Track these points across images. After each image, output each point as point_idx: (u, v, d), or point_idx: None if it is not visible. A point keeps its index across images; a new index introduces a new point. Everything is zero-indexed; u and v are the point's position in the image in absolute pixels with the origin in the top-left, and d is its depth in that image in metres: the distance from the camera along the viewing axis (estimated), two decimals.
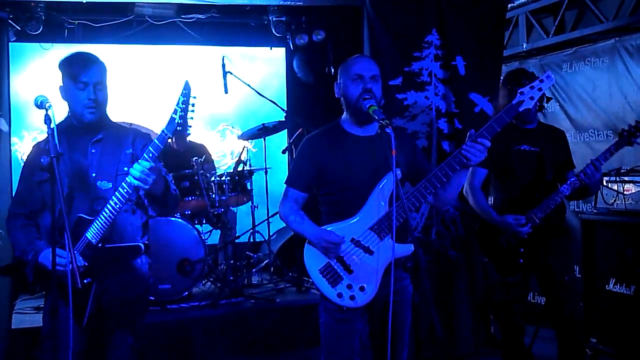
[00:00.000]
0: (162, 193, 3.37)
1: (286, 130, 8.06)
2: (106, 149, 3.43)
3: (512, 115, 3.28)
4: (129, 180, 3.16)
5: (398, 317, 3.35)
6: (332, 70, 8.36)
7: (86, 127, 3.44)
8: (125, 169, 3.37)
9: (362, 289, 3.35)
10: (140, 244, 3.37)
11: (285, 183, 3.58)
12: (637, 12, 5.99)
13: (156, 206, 3.52)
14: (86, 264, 3.19)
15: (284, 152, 7.48)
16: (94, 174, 3.39)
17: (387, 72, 5.56)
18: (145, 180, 3.13)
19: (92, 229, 3.27)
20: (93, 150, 3.45)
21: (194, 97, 3.30)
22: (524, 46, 7.11)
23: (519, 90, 3.31)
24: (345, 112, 3.56)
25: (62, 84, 3.47)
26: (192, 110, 3.30)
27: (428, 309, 2.93)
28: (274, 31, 8.53)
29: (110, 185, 3.42)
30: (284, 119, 7.39)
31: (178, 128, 3.26)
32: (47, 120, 3.07)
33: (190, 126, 3.31)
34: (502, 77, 5.53)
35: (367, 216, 3.37)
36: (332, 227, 3.42)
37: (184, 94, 3.27)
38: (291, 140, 7.59)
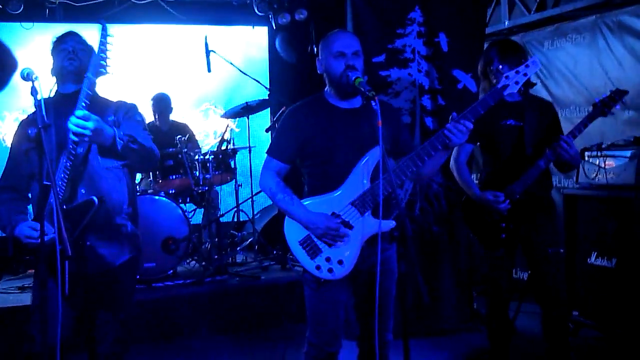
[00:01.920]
0: (110, 143, 3.31)
1: (269, 109, 8.03)
2: None
3: (496, 98, 3.30)
4: (68, 128, 3.17)
5: (382, 286, 3.32)
6: (315, 49, 8.31)
7: (71, 95, 3.41)
8: None
9: (340, 262, 3.34)
10: (93, 198, 3.29)
11: (267, 153, 3.53)
12: None
13: (112, 159, 3.46)
14: (55, 232, 3.10)
15: (267, 130, 7.44)
16: (72, 145, 3.36)
17: (371, 49, 5.54)
18: (83, 126, 3.13)
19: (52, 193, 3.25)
20: None
21: (111, 36, 3.41)
22: (506, 23, 7.12)
23: (505, 74, 3.33)
24: (328, 86, 3.52)
25: (52, 65, 3.56)
26: (110, 50, 3.40)
27: (414, 278, 2.93)
28: (256, 10, 8.51)
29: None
30: (267, 98, 7.36)
31: (101, 69, 3.36)
32: (34, 92, 3.04)
33: (109, 66, 3.40)
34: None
35: (348, 191, 3.35)
36: (313, 200, 3.40)
37: (102, 35, 3.37)
38: (274, 119, 7.56)
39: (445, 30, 5.77)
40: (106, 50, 3.36)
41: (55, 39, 3.57)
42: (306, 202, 3.41)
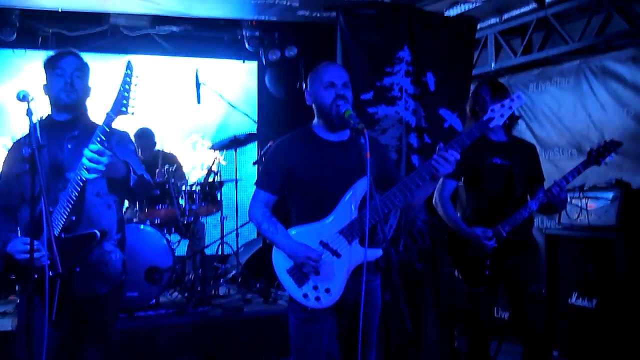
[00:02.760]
0: (123, 177, 3.34)
1: (257, 142, 8.09)
2: (80, 144, 3.42)
3: (482, 130, 3.37)
4: (82, 163, 3.16)
5: (366, 318, 3.34)
6: (304, 85, 8.41)
7: (64, 123, 3.45)
8: None
9: (327, 290, 3.36)
10: (95, 231, 3.30)
11: (255, 185, 3.57)
12: (602, 33, 6.16)
13: (120, 192, 3.51)
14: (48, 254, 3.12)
15: (254, 164, 7.48)
16: (67, 170, 3.39)
17: (359, 87, 5.61)
18: (97, 161, 3.12)
19: (53, 219, 3.26)
20: (69, 146, 3.46)
21: (137, 77, 3.35)
22: (493, 66, 7.25)
23: (490, 108, 3.40)
24: (316, 118, 3.58)
25: (45, 82, 3.56)
26: (134, 91, 3.35)
27: (398, 307, 2.95)
28: (247, 46, 8.62)
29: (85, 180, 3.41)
30: (255, 131, 7.42)
31: (122, 109, 3.29)
32: (29, 113, 3.07)
33: (133, 106, 3.34)
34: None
35: (337, 219, 3.39)
36: (301, 228, 3.43)
37: (127, 74, 3.31)
38: (262, 153, 7.60)
39: (433, 70, 5.86)
40: (129, 90, 3.32)
41: (51, 57, 3.57)
42: (293, 230, 3.45)
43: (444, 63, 5.94)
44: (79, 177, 3.23)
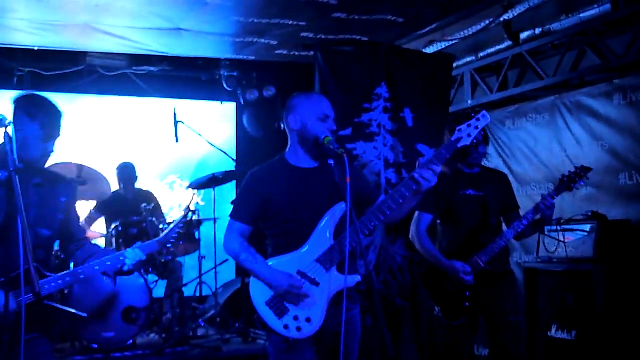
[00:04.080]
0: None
1: (235, 181, 8.14)
2: (44, 195, 3.41)
3: (451, 150, 3.43)
4: (122, 260, 3.38)
5: (346, 347, 3.35)
6: (282, 126, 8.51)
7: (27, 166, 3.26)
8: (61, 216, 3.44)
9: (308, 320, 3.39)
10: (84, 315, 3.39)
11: (230, 216, 3.61)
12: (576, 69, 6.34)
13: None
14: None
15: (232, 203, 7.53)
16: (33, 217, 3.29)
17: (338, 123, 5.56)
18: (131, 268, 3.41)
19: (47, 282, 3.23)
20: (32, 193, 3.38)
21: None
22: (469, 102, 7.41)
23: (457, 128, 3.46)
24: (291, 146, 3.62)
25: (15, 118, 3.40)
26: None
27: (380, 331, 2.99)
28: (225, 86, 8.76)
29: (50, 233, 3.41)
30: (233, 170, 7.49)
31: (168, 245, 3.61)
32: (7, 137, 3.06)
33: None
34: None
35: (313, 248, 3.43)
36: (278, 259, 3.47)
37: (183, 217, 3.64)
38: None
39: (410, 106, 6.01)
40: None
41: (23, 98, 3.46)
42: (270, 262, 3.48)
43: (421, 99, 6.11)
44: (104, 265, 3.38)
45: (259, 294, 3.43)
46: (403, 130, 5.99)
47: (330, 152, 3.44)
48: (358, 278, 3.42)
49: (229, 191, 8.52)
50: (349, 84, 5.94)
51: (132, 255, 3.36)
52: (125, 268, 3.33)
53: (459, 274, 4.40)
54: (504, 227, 4.66)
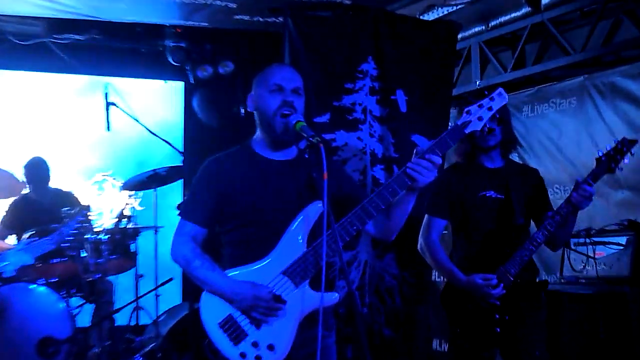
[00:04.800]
0: None
1: (182, 180, 8.11)
2: None
3: (456, 137, 3.42)
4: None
5: None
6: (242, 110, 8.50)
7: None
8: None
9: (270, 347, 3.36)
10: None
11: (179, 215, 3.61)
12: (610, 43, 6.38)
13: None
14: None
15: (179, 207, 7.52)
16: None
17: (313, 107, 5.70)
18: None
19: None
20: None
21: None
22: (478, 83, 7.46)
23: (466, 109, 3.45)
24: (257, 131, 3.66)
25: None
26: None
27: None
28: (170, 60, 8.68)
29: None
30: (180, 165, 7.45)
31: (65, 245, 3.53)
32: None
33: None
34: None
35: (279, 258, 3.42)
36: (236, 272, 3.44)
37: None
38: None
39: (404, 87, 6.03)
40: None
41: None
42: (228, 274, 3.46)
43: (418, 78, 6.14)
44: None
45: (212, 312, 3.41)
46: (395, 117, 6.01)
47: (294, 138, 3.45)
48: (335, 297, 3.39)
49: (175, 193, 8.50)
50: (327, 59, 5.94)
51: (15, 258, 3.32)
52: (7, 274, 3.29)
53: (482, 290, 4.36)
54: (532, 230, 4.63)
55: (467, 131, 3.43)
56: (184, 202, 3.71)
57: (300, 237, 3.45)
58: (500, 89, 3.51)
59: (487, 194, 4.60)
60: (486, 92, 3.52)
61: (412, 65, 6.13)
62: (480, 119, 3.43)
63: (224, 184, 3.53)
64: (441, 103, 6.24)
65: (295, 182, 3.53)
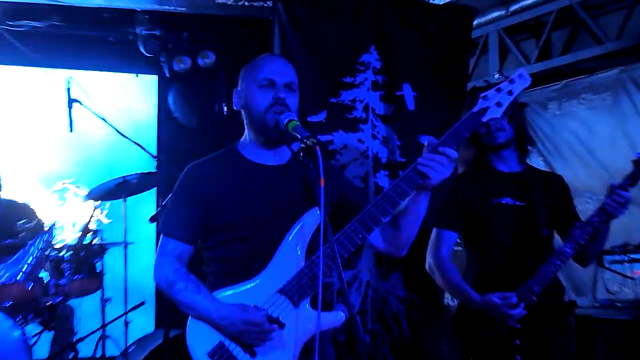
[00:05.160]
0: None
1: (156, 189, 8.04)
2: None
3: (472, 126, 3.36)
4: None
5: None
6: (225, 108, 8.45)
7: None
8: None
9: None
10: None
11: (161, 232, 3.56)
12: None
13: None
14: None
15: (152, 220, 7.47)
16: None
17: (307, 104, 5.64)
18: None
19: None
20: None
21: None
22: (497, 76, 7.40)
23: (482, 95, 3.39)
24: (246, 132, 3.63)
25: None
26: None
27: None
28: (142, 50, 8.64)
29: None
30: (154, 171, 7.39)
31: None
32: None
33: None
34: None
35: (275, 274, 3.37)
36: (222, 293, 3.40)
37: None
38: (164, 203, 7.58)
39: (412, 82, 5.98)
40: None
41: None
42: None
43: (426, 72, 6.09)
44: None
45: (200, 341, 3.37)
46: (401, 115, 5.97)
47: (289, 139, 3.39)
48: (341, 316, 3.34)
49: (147, 203, 8.47)
50: (323, 49, 5.89)
51: None
52: None
53: (500, 310, 4.25)
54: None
55: (484, 119, 3.36)
56: (164, 216, 3.63)
57: (298, 249, 3.40)
58: (522, 70, 3.44)
59: (503, 201, 4.52)
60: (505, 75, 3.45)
61: (420, 56, 6.08)
62: (499, 104, 3.36)
63: (208, 193, 3.49)
64: (453, 99, 6.16)
65: (289, 189, 3.49)
